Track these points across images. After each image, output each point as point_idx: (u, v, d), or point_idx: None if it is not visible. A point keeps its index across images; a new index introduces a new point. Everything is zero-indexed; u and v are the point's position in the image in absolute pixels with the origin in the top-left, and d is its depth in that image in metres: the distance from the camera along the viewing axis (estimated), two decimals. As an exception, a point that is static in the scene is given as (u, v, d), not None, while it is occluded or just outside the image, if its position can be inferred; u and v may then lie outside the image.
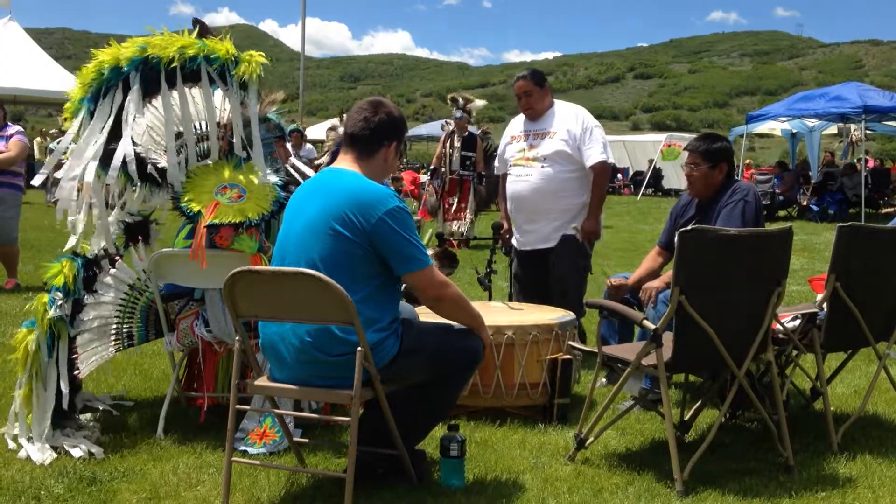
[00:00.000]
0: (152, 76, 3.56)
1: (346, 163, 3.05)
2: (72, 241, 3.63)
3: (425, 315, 3.20)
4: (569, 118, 4.91)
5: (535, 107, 4.93)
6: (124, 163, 3.55)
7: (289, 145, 9.11)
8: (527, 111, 4.99)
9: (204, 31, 3.76)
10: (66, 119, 3.65)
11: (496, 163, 5.32)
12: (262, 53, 3.64)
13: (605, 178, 4.93)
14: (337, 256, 2.84)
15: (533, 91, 4.91)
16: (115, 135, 3.57)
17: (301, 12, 23.06)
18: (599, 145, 4.82)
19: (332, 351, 2.83)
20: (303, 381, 2.92)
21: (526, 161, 4.94)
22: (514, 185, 5.01)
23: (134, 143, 3.68)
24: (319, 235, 2.87)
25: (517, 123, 5.13)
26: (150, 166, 3.72)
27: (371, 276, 2.88)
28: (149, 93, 3.62)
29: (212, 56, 3.55)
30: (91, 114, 3.56)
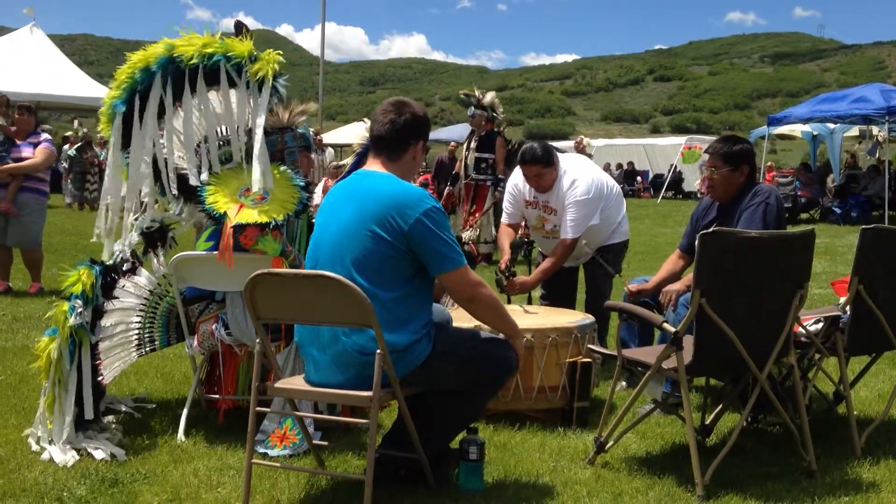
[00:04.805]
0: (179, 77, 3.59)
1: (376, 165, 3.09)
2: (117, 243, 3.73)
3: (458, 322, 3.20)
4: (563, 196, 4.82)
5: (544, 184, 4.85)
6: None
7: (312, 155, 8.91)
8: (535, 187, 4.90)
9: (241, 33, 3.79)
10: (101, 123, 3.72)
11: (504, 213, 5.19)
12: (279, 52, 3.64)
13: (567, 253, 4.83)
14: (373, 258, 2.87)
15: (543, 173, 4.80)
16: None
17: (321, 17, 23.20)
18: (569, 224, 4.77)
19: (362, 345, 2.84)
20: (337, 381, 2.92)
21: (546, 233, 5.00)
22: (545, 244, 5.07)
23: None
24: (356, 238, 2.89)
25: (528, 187, 4.99)
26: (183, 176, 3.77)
27: (406, 278, 2.90)
28: (177, 97, 3.65)
29: (230, 54, 3.57)
30: (124, 116, 3.61)
